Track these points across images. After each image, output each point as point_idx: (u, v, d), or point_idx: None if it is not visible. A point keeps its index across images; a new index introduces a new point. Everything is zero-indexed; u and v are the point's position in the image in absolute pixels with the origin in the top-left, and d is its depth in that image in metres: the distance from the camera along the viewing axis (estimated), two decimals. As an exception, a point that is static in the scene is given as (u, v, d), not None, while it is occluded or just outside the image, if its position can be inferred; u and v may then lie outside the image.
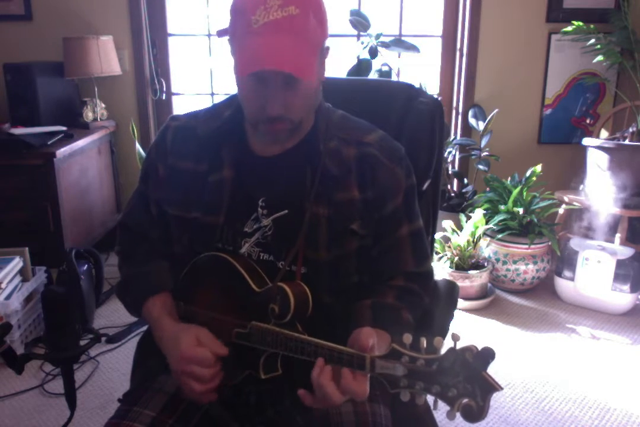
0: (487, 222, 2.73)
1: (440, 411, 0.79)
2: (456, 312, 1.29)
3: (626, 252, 2.62)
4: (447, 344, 0.78)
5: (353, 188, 1.05)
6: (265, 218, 1.06)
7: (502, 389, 0.74)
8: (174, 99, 3.39)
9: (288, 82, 0.94)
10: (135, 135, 2.95)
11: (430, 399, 0.80)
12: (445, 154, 3.10)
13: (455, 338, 0.76)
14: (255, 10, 0.91)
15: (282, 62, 0.90)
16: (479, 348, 0.74)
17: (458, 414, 0.75)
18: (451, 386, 0.75)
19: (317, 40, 0.96)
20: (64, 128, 2.79)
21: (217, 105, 1.13)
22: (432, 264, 1.19)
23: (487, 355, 0.74)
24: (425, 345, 0.79)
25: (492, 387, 0.73)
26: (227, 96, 1.13)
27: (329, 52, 1.02)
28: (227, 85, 3.34)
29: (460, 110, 3.29)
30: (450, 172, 3.25)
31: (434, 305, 1.18)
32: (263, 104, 0.96)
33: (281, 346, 0.92)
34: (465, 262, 2.71)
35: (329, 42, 1.01)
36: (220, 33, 1.00)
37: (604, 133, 3.18)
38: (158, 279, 1.11)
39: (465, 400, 0.74)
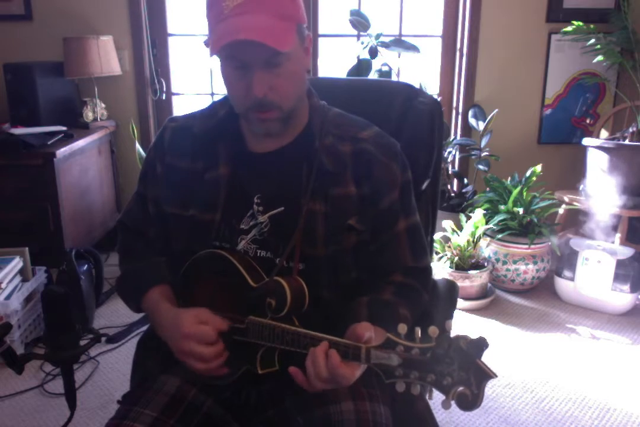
0: (487, 222, 2.73)
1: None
2: (456, 312, 1.29)
3: (626, 252, 2.62)
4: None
5: (349, 184, 1.05)
6: (261, 215, 1.06)
7: (496, 376, 0.74)
8: (174, 99, 3.39)
9: (269, 62, 0.94)
10: (135, 135, 2.96)
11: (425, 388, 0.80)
12: (445, 154, 3.10)
13: (448, 327, 0.76)
14: None
15: (254, 33, 0.90)
16: (473, 337, 0.75)
17: (456, 407, 0.75)
18: (446, 375, 0.75)
19: (292, 17, 0.96)
20: (64, 128, 2.79)
21: (213, 105, 1.14)
22: (431, 260, 1.19)
23: (481, 343, 0.74)
24: (420, 335, 0.79)
25: (486, 374, 0.73)
26: (223, 96, 1.13)
27: (311, 41, 1.02)
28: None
29: (460, 110, 3.29)
30: (450, 172, 3.25)
31: (433, 305, 1.18)
32: (248, 89, 0.96)
33: (278, 339, 0.92)
34: (465, 262, 2.71)
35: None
36: (207, 43, 0.99)
37: (604, 133, 3.18)
38: (157, 273, 1.12)
39: (460, 388, 0.74)
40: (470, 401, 0.74)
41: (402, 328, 0.80)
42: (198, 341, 0.95)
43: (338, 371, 0.84)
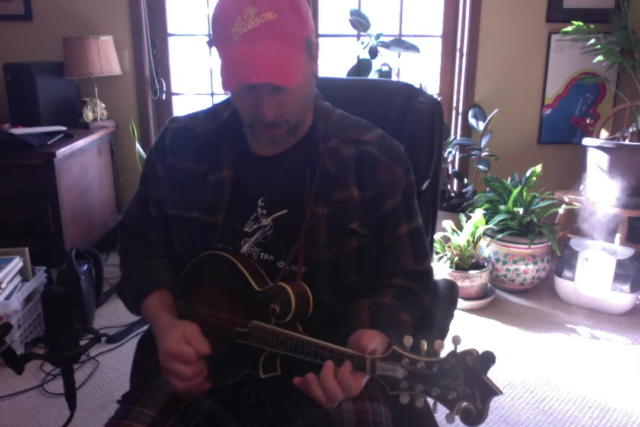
0: (487, 222, 2.73)
1: (440, 411, 0.79)
2: (456, 312, 1.29)
3: (626, 252, 2.62)
4: (447, 345, 0.78)
5: (352, 187, 1.04)
6: (264, 218, 1.06)
7: (501, 393, 0.73)
8: (174, 99, 3.39)
9: (277, 86, 0.94)
10: (135, 135, 2.96)
11: (430, 401, 0.80)
12: (445, 154, 3.10)
13: (456, 341, 0.76)
14: (234, 21, 0.91)
15: (264, 73, 0.90)
16: (480, 352, 0.74)
17: (457, 418, 0.75)
18: (451, 389, 0.75)
19: (300, 37, 0.95)
20: (64, 128, 2.79)
21: (216, 106, 1.13)
22: (432, 263, 1.18)
23: (488, 359, 0.73)
24: (425, 348, 0.78)
25: (492, 391, 0.73)
26: (227, 97, 1.13)
27: (319, 47, 1.02)
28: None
29: (460, 110, 3.28)
30: (450, 172, 3.25)
31: (433, 305, 1.18)
32: (256, 109, 0.96)
33: (281, 345, 0.92)
34: (465, 262, 2.71)
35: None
36: (210, 43, 0.99)
37: (604, 133, 3.18)
38: (157, 276, 1.12)
39: (464, 403, 0.74)
40: (475, 417, 0.73)
41: (408, 340, 0.79)
42: (178, 360, 0.95)
43: (347, 381, 0.84)
